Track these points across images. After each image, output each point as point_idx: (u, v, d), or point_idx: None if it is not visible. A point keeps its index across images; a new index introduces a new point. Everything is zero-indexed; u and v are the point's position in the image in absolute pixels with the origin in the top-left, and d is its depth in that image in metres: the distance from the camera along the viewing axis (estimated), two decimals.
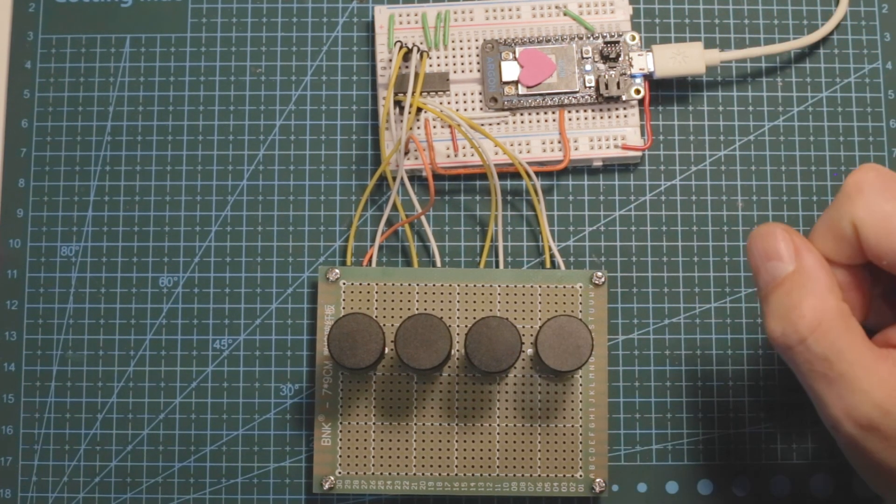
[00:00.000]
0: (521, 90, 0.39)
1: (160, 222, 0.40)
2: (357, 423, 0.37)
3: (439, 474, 0.37)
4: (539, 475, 0.37)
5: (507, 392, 0.37)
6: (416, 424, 0.37)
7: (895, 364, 0.30)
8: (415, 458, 0.37)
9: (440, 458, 0.37)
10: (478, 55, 0.40)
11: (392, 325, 0.38)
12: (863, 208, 0.30)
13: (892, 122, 0.41)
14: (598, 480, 0.37)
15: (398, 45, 0.39)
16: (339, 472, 0.37)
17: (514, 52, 0.40)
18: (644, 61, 0.39)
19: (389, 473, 0.37)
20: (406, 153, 0.39)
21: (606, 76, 0.39)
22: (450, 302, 0.38)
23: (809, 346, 0.30)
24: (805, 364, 0.30)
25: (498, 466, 0.37)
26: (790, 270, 0.31)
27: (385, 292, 0.38)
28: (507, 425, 0.37)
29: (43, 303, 0.40)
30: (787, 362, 0.31)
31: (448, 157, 0.39)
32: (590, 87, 0.39)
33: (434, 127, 0.39)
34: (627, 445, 0.39)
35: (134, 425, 0.39)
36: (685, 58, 0.39)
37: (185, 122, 0.41)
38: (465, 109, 0.40)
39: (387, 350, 0.36)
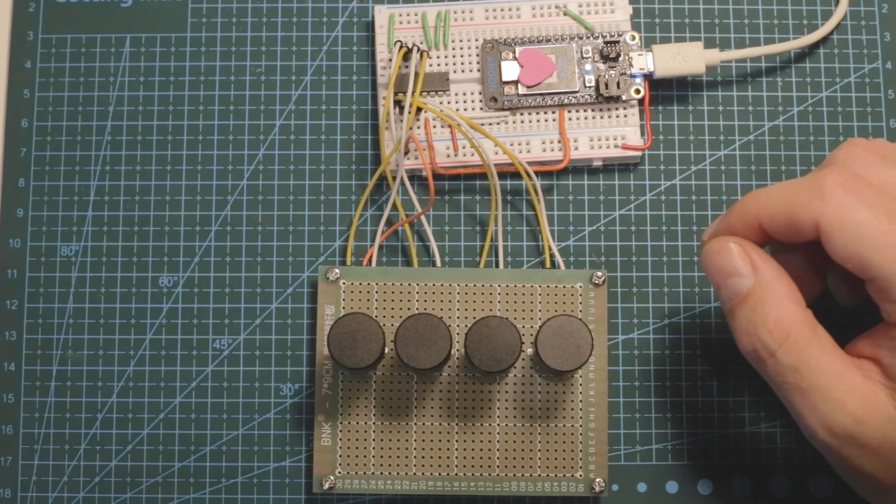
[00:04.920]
0: (521, 90, 0.39)
1: (160, 222, 0.40)
2: (357, 423, 0.37)
3: (439, 474, 0.37)
4: (539, 475, 0.37)
5: (507, 392, 0.37)
6: (416, 424, 0.37)
7: (866, 373, 0.30)
8: (415, 457, 0.37)
9: (440, 457, 0.37)
10: (478, 55, 0.40)
11: (392, 325, 0.38)
12: (834, 212, 0.30)
13: (892, 122, 0.41)
14: (598, 480, 0.37)
15: (398, 44, 0.39)
16: (339, 472, 0.37)
17: (514, 52, 0.40)
18: (644, 61, 0.39)
19: (389, 473, 0.37)
20: (406, 153, 0.39)
21: (606, 76, 0.39)
22: (450, 302, 0.38)
23: (779, 359, 0.30)
24: (777, 376, 0.30)
25: (498, 466, 0.37)
26: (750, 285, 0.31)
27: (385, 292, 0.38)
28: (507, 425, 0.37)
29: (43, 303, 0.40)
30: (762, 375, 0.31)
31: (448, 156, 0.39)
32: (590, 87, 0.39)
33: (434, 127, 0.39)
34: (627, 445, 0.39)
35: (134, 425, 0.39)
36: (685, 58, 0.39)
37: (185, 122, 0.41)
38: (465, 109, 0.40)
39: (387, 350, 0.36)
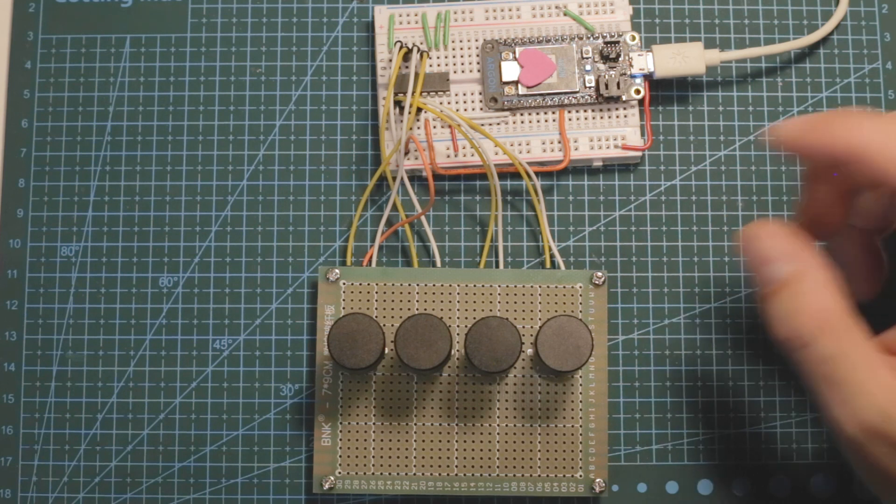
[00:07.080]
0: (521, 90, 0.39)
1: (160, 222, 0.40)
2: (357, 423, 0.37)
3: (439, 474, 0.37)
4: (539, 475, 0.37)
5: (507, 392, 0.37)
6: (416, 424, 0.37)
7: None
8: (415, 458, 0.37)
9: (440, 458, 0.37)
10: (478, 55, 0.40)
11: (392, 325, 0.38)
12: (869, 129, 0.29)
13: None
14: (598, 480, 0.37)
15: (398, 45, 0.39)
16: (339, 472, 0.37)
17: (514, 52, 0.40)
18: (644, 61, 0.39)
19: (389, 473, 0.37)
20: (406, 153, 0.39)
21: (606, 76, 0.39)
22: (450, 302, 0.38)
23: (813, 350, 0.30)
24: (809, 366, 0.30)
25: (498, 466, 0.37)
26: (790, 271, 0.30)
27: (385, 292, 0.38)
28: (507, 425, 0.37)
29: (43, 303, 0.40)
30: (792, 364, 0.31)
31: (448, 157, 0.39)
32: (590, 87, 0.39)
33: (434, 127, 0.39)
34: (627, 445, 0.39)
35: (134, 425, 0.39)
36: (685, 58, 0.39)
37: (185, 122, 0.41)
38: (465, 109, 0.40)
39: (387, 350, 0.36)
